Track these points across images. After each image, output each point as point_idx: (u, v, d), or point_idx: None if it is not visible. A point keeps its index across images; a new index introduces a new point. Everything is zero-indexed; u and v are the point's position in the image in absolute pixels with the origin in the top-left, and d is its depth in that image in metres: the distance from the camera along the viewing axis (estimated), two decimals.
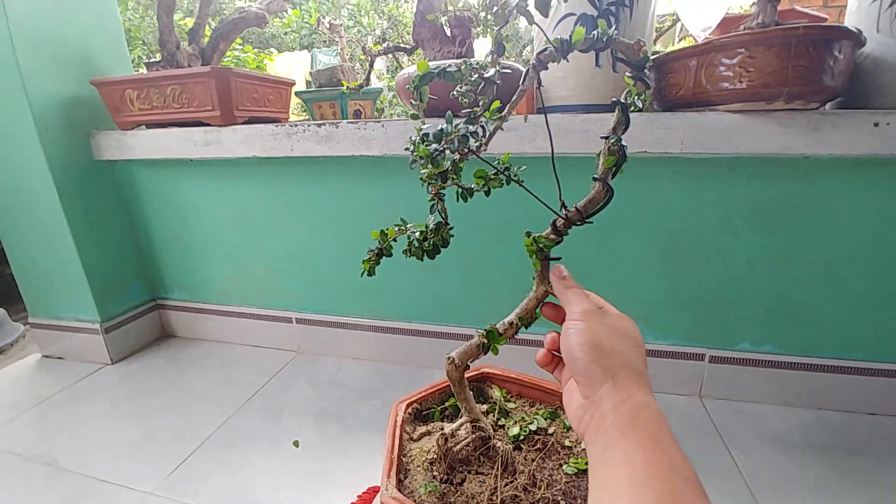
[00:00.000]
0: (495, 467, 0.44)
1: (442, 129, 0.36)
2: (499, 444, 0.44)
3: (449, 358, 0.45)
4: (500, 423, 0.51)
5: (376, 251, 0.43)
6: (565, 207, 0.38)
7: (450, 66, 0.39)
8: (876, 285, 0.78)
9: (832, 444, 0.77)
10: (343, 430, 0.83)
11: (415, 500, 0.42)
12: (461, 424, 0.47)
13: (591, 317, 0.32)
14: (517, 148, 0.76)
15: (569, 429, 0.50)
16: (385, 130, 0.81)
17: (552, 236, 0.39)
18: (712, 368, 0.88)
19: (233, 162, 0.99)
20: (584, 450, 0.47)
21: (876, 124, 0.63)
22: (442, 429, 0.47)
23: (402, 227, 0.42)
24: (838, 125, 0.65)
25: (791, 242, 0.79)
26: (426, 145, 0.36)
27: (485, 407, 0.53)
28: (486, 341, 0.42)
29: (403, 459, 0.47)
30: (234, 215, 1.07)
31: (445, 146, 0.35)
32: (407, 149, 0.37)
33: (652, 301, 0.87)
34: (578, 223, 0.37)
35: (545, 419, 0.51)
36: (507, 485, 0.43)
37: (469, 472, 0.45)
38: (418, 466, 0.46)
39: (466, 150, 0.37)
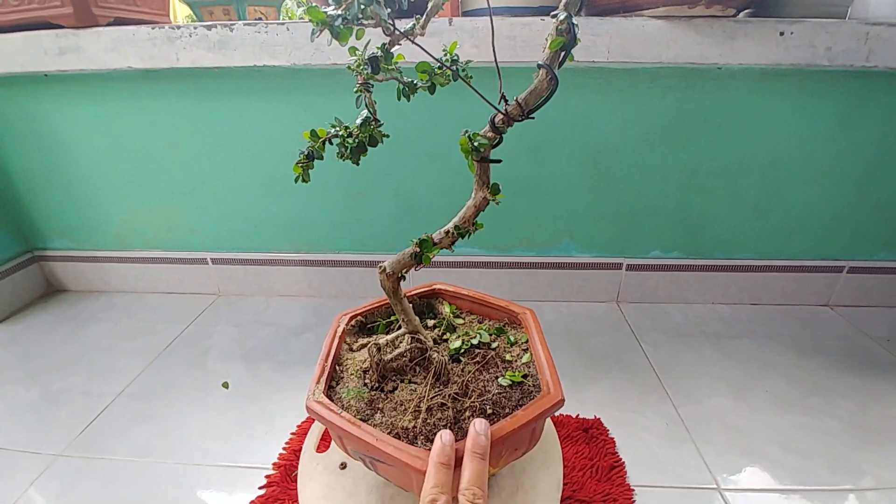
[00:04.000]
0: (428, 377, 0.44)
1: None
2: (435, 355, 0.44)
3: (381, 267, 0.42)
4: (444, 337, 0.51)
5: (306, 153, 0.38)
6: (506, 101, 0.35)
7: None
8: (765, 193, 0.87)
9: (721, 332, 0.89)
10: (276, 367, 0.81)
11: (340, 405, 0.42)
12: (398, 336, 0.46)
13: None
14: (441, 55, 0.70)
15: (512, 344, 0.51)
16: (291, 35, 0.70)
17: (489, 134, 0.36)
18: (628, 276, 0.96)
19: (102, 76, 0.82)
20: (524, 363, 0.48)
21: (781, 33, 0.66)
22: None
23: (338, 126, 0.37)
24: (750, 34, 0.67)
25: (698, 155, 0.84)
26: (323, 9, 0.30)
27: (433, 322, 0.53)
28: (418, 250, 0.40)
29: (338, 368, 0.47)
30: (115, 145, 0.90)
31: (344, 12, 0.30)
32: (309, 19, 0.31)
33: (577, 216, 0.91)
34: (520, 118, 0.34)
35: (490, 334, 0.52)
36: (437, 394, 0.43)
37: (402, 381, 0.46)
38: (352, 375, 0.46)
39: (394, 31, 0.31)
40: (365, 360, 0.46)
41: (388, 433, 0.40)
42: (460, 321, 0.55)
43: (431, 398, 0.42)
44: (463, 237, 0.40)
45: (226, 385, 0.76)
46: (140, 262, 1.03)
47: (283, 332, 0.91)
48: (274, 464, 0.61)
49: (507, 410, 0.42)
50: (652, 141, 0.83)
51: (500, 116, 0.35)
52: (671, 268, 0.95)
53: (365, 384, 0.45)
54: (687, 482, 0.58)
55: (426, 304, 0.58)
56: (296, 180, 0.39)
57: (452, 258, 0.95)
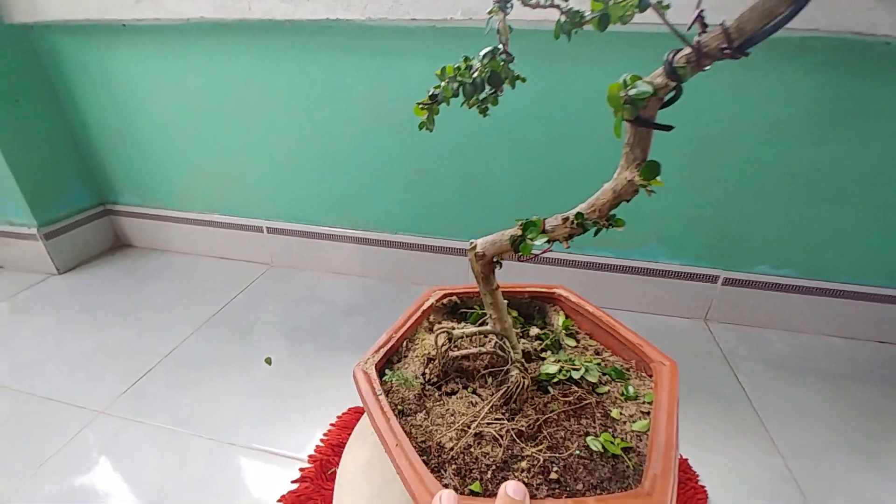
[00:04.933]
0: (495, 394, 0.36)
1: None
2: (515, 372, 0.36)
3: (472, 244, 0.34)
4: (542, 353, 0.41)
5: (431, 94, 0.31)
6: (702, 23, 0.21)
7: None
8: None
9: (836, 371, 0.74)
10: (321, 349, 0.76)
11: (383, 385, 0.36)
12: (481, 332, 0.38)
13: None
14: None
15: (629, 398, 0.38)
16: None
17: (658, 80, 0.23)
18: (724, 291, 0.82)
19: (176, 28, 0.80)
20: (635, 431, 0.35)
21: None
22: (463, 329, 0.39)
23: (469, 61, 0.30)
24: None
25: (839, 153, 0.68)
26: None
27: (537, 331, 0.44)
28: (520, 234, 0.31)
29: (406, 345, 0.41)
30: (184, 101, 0.89)
31: None
32: None
33: (669, 215, 0.78)
34: (724, 52, 0.20)
35: (602, 373, 0.40)
36: (497, 421, 0.34)
37: (465, 388, 0.38)
38: (416, 358, 0.39)
39: None
40: (435, 346, 0.39)
41: (419, 442, 0.33)
42: (572, 342, 0.43)
43: (488, 423, 0.34)
44: (586, 231, 0.29)
45: (269, 361, 0.72)
46: (199, 224, 1.02)
47: (332, 311, 0.86)
48: (310, 457, 0.56)
49: (578, 486, 0.31)
50: (779, 132, 0.68)
51: (688, 52, 0.22)
52: (779, 287, 0.79)
53: (423, 374, 0.38)
54: None
55: (539, 308, 0.48)
56: (420, 126, 0.32)
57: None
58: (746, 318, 0.83)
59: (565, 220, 0.29)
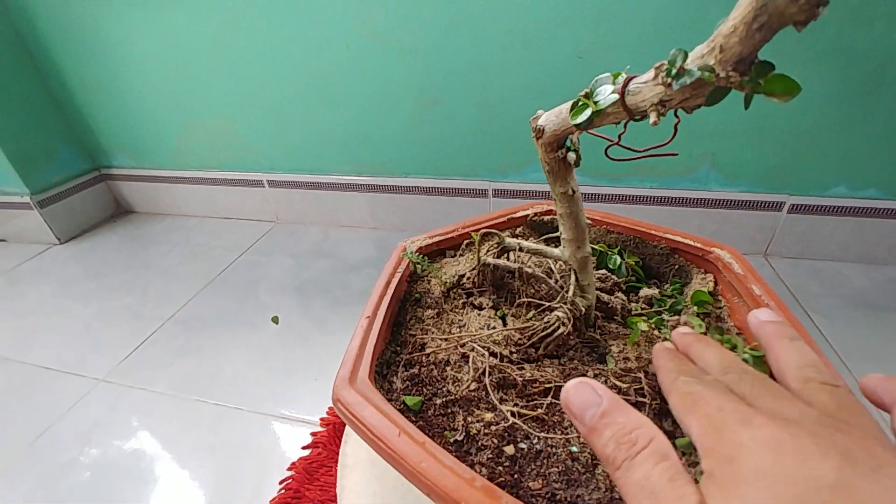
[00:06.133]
0: (525, 329, 0.27)
1: None
2: (558, 314, 0.26)
3: (536, 115, 0.25)
4: (636, 319, 0.29)
5: None
6: None
7: None
8: None
9: None
10: (330, 305, 0.69)
11: (415, 267, 0.33)
12: (541, 252, 0.28)
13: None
14: None
15: None
16: None
17: None
18: (789, 220, 0.70)
19: None
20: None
21: None
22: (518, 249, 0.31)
23: None
24: None
25: None
26: None
27: (654, 291, 0.32)
28: (586, 94, 0.21)
29: (466, 246, 0.36)
30: (160, 47, 0.79)
31: None
32: None
33: (727, 132, 0.66)
34: None
35: None
36: (491, 354, 0.26)
37: (496, 310, 0.30)
38: (469, 261, 0.34)
39: None
40: (490, 252, 0.33)
41: (409, 333, 0.29)
42: (697, 322, 0.28)
43: (482, 353, 0.26)
44: (678, 81, 0.16)
45: (275, 320, 0.66)
46: (198, 182, 0.95)
47: (342, 265, 0.79)
48: (322, 420, 0.50)
49: (531, 484, 0.21)
50: (877, 9, 0.54)
51: None
52: (859, 212, 0.67)
53: (461, 276, 0.33)
54: None
55: (679, 268, 0.35)
56: None
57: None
58: (817, 251, 0.72)
59: (658, 69, 0.17)
